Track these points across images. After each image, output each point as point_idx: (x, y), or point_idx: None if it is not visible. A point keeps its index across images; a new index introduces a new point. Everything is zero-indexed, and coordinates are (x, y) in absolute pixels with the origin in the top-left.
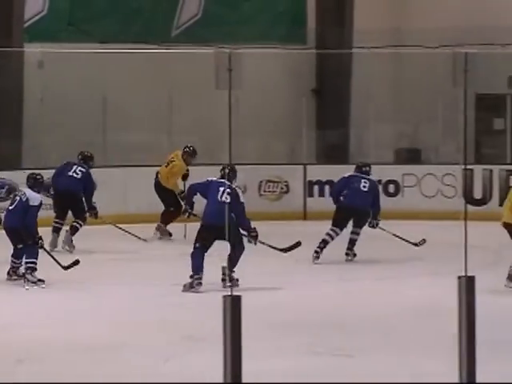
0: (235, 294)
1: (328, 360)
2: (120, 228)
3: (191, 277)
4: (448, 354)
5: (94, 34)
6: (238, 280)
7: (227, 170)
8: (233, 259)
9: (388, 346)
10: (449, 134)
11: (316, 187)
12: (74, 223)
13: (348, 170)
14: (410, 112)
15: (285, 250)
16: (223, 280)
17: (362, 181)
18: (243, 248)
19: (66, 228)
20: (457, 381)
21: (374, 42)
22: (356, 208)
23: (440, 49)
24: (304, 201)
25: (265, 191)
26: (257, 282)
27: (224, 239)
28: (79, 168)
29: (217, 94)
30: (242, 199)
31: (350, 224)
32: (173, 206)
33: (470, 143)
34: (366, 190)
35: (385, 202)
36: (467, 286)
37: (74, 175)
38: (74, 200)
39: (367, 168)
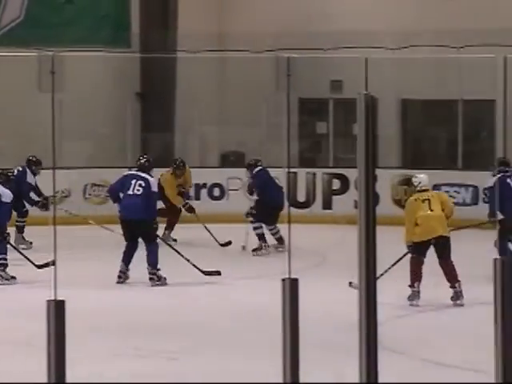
0: (59, 298)
1: (152, 363)
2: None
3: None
4: (272, 356)
5: None
6: (165, 278)
7: (142, 161)
8: (151, 257)
9: (211, 348)
10: (273, 138)
11: None
12: (16, 222)
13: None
14: (235, 116)
15: (205, 273)
16: (151, 279)
17: (274, 176)
18: (157, 245)
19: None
20: (281, 381)
21: (198, 46)
22: (281, 205)
23: (264, 53)
24: None
25: (90, 195)
26: (85, 285)
27: (139, 235)
28: (17, 169)
29: (41, 97)
30: (154, 189)
31: None
32: (171, 214)
33: (293, 147)
34: (280, 185)
35: (210, 205)
36: (291, 288)
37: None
38: None
39: (261, 162)
